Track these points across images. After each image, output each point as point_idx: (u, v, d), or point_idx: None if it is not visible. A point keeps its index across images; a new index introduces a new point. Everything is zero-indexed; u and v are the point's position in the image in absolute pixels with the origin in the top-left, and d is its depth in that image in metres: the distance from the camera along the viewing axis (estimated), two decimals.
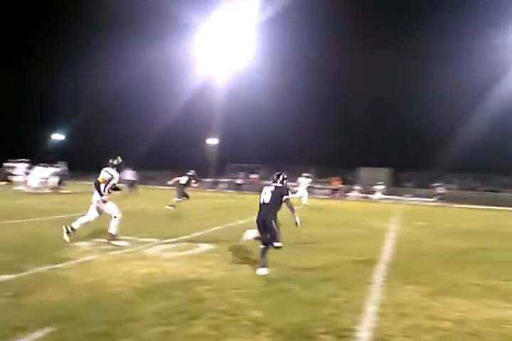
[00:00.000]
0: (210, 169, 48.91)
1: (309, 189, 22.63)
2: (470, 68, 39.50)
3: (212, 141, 50.61)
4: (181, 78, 45.55)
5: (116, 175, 7.60)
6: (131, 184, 24.06)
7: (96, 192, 7.37)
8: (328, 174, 46.96)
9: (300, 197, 19.08)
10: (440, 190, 35.15)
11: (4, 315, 3.65)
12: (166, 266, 5.85)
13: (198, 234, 9.13)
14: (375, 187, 35.50)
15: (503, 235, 12.76)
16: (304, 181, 20.22)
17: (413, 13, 47.12)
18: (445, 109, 42.40)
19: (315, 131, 46.27)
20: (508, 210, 25.66)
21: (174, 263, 6.02)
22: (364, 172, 49.11)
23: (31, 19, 55.32)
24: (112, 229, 7.41)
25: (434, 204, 35.86)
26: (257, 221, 5.86)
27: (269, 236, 5.73)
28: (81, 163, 41.12)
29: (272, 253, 7.21)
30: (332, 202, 30.50)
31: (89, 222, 7.51)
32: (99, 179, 7.37)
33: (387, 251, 8.18)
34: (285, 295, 4.75)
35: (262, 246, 5.91)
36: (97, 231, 8.57)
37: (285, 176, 6.22)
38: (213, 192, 38.29)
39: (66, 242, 7.13)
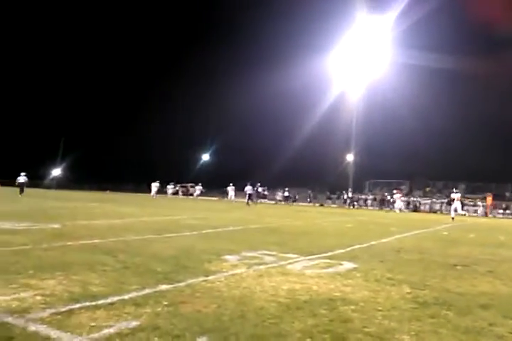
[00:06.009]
0: (348, 185, 48.22)
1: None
2: None
3: (350, 157, 50.05)
4: (317, 95, 46.18)
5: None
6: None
7: None
8: (478, 189, 43.13)
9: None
10: None
11: (165, 323, 3.96)
12: (309, 282, 5.84)
13: (339, 251, 8.99)
14: None
15: None
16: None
17: None
18: None
19: (460, 143, 42.95)
20: None
21: (317, 280, 5.98)
22: None
23: (181, 44, 61.41)
24: None
25: None
26: None
27: None
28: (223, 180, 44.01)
29: (419, 274, 6.78)
30: (483, 220, 27.78)
31: None
32: None
33: None
34: (437, 320, 4.38)
35: None
36: (246, 245, 8.95)
37: None
38: (354, 209, 37.64)
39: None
